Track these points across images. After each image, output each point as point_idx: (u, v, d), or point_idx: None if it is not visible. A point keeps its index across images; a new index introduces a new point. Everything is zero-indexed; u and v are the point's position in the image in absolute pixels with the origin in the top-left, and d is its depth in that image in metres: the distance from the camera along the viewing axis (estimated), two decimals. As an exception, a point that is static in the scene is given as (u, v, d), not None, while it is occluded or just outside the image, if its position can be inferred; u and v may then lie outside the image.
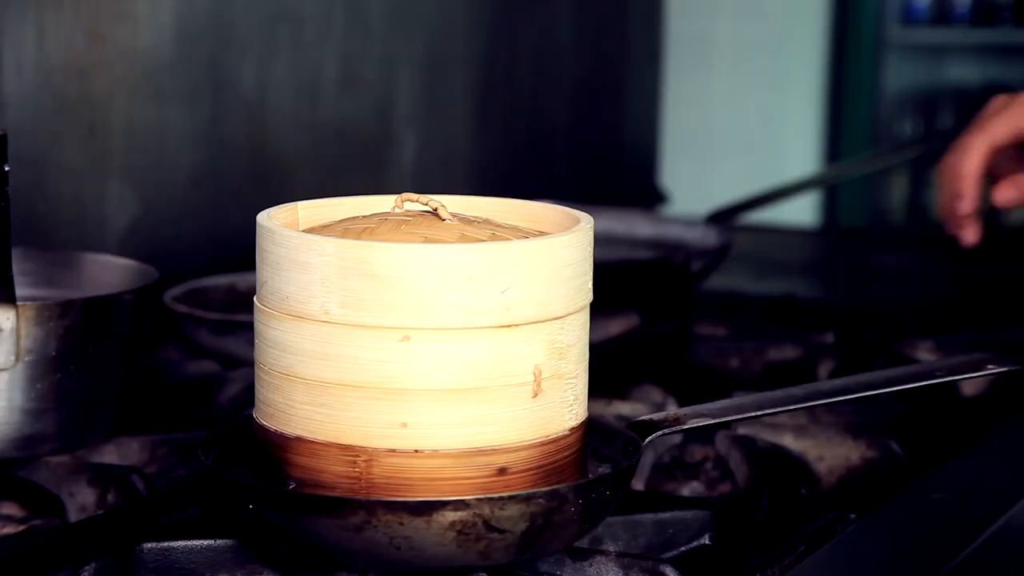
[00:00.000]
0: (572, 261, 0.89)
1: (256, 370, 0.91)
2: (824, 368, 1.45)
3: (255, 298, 0.91)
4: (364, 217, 0.93)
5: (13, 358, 1.06)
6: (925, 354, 1.51)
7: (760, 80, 3.14)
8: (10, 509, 1.09)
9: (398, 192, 0.95)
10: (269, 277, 0.89)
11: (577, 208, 0.97)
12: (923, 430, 1.26)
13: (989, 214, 1.55)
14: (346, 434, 0.87)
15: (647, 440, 0.96)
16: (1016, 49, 3.75)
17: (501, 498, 0.85)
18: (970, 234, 1.50)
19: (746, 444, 1.17)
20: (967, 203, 1.49)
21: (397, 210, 0.94)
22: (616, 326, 1.57)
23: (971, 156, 1.48)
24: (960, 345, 1.50)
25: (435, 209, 0.92)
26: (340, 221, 0.94)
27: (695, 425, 0.99)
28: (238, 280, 1.53)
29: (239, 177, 1.71)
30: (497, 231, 0.91)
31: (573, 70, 2.31)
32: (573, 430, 0.91)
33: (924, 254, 2.22)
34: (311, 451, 0.88)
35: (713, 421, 1.00)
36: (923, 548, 1.04)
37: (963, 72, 3.90)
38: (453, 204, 0.95)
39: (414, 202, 0.93)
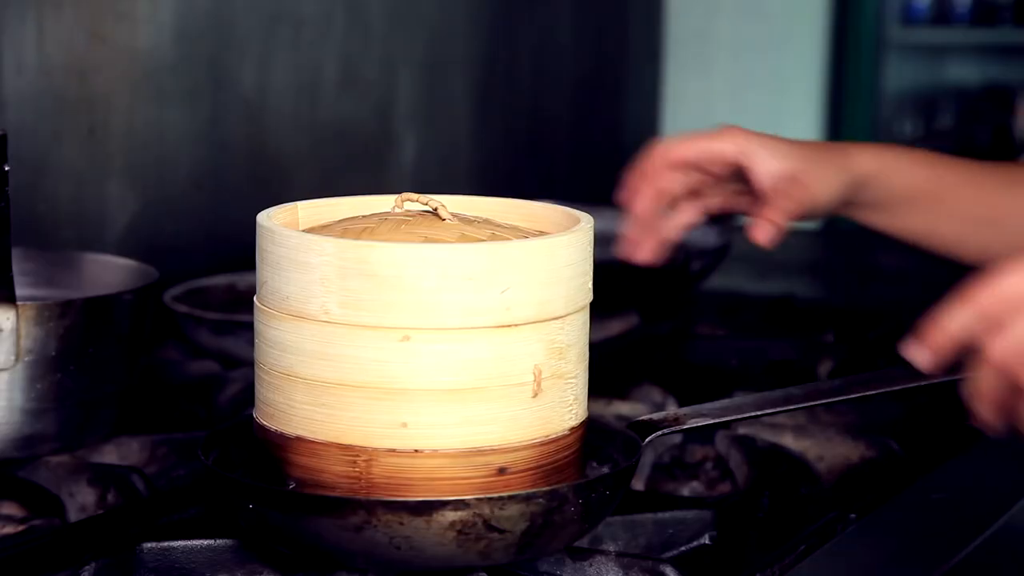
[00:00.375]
0: (572, 261, 0.89)
1: (256, 370, 0.91)
2: (824, 368, 1.45)
3: (255, 298, 0.91)
4: (364, 217, 0.93)
5: (13, 358, 1.06)
6: (925, 354, 1.51)
7: (760, 80, 3.13)
8: (10, 509, 1.09)
9: (398, 192, 0.95)
10: (269, 277, 0.89)
11: (577, 208, 0.97)
12: (923, 430, 1.26)
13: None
14: (346, 434, 0.87)
15: (647, 440, 0.96)
16: (1016, 49, 3.75)
17: (501, 498, 0.85)
18: (640, 252, 1.21)
19: (746, 444, 1.17)
20: (633, 219, 1.23)
21: (397, 210, 0.94)
22: (616, 326, 1.57)
23: (641, 169, 1.25)
24: (960, 345, 1.49)
25: (435, 209, 0.92)
26: (340, 221, 0.94)
27: (695, 425, 0.99)
28: (238, 280, 1.53)
29: (239, 177, 1.71)
30: (497, 231, 0.91)
31: (573, 70, 2.31)
32: (573, 430, 0.91)
33: (924, 254, 2.22)
34: (311, 451, 0.88)
35: (713, 421, 1.00)
36: (923, 548, 1.04)
37: (963, 72, 3.89)
38: (453, 204, 0.95)
39: (414, 202, 0.93)
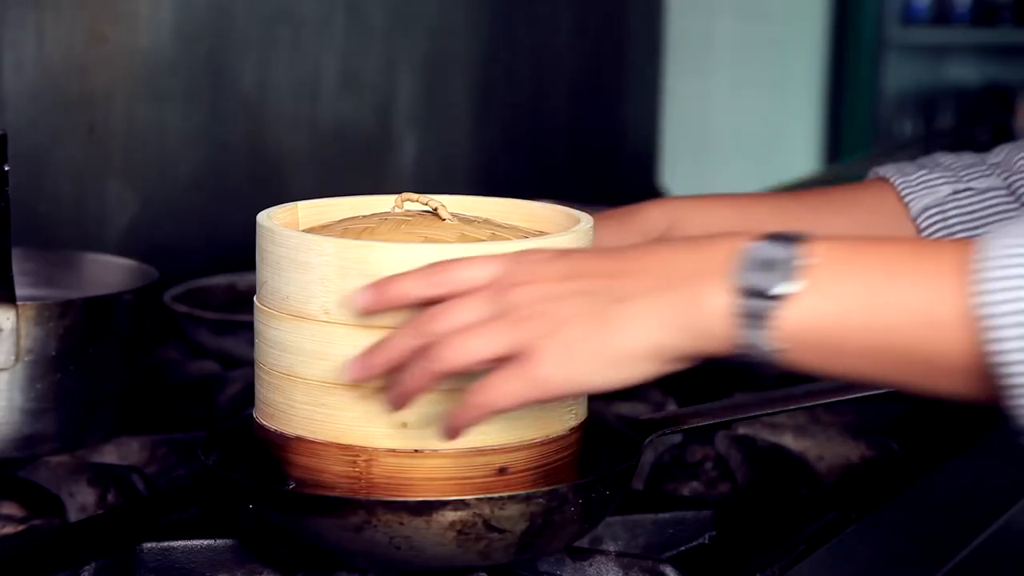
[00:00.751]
0: None
1: (256, 370, 0.91)
2: (824, 368, 1.45)
3: (255, 298, 0.91)
4: (364, 217, 0.93)
5: (13, 358, 1.06)
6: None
7: (760, 80, 3.13)
8: (10, 509, 1.09)
9: (398, 192, 0.95)
10: (269, 277, 0.89)
11: (577, 208, 0.97)
12: (923, 430, 1.26)
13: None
14: (346, 434, 0.87)
15: (647, 440, 0.96)
16: (1016, 49, 3.75)
17: (501, 498, 0.85)
18: None
19: (746, 444, 1.17)
20: None
21: (397, 210, 0.94)
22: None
23: None
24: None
25: (435, 209, 0.92)
26: (340, 221, 0.94)
27: (695, 425, 0.99)
28: (238, 280, 1.53)
29: (239, 177, 1.71)
30: (497, 231, 0.91)
31: (573, 70, 2.31)
32: (573, 430, 0.91)
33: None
34: (311, 451, 0.88)
35: (713, 421, 1.00)
36: (923, 548, 1.04)
37: (963, 72, 3.90)
38: (453, 204, 0.95)
39: (414, 202, 0.93)
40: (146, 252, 1.44)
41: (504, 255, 0.81)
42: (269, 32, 1.74)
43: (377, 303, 0.83)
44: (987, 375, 0.70)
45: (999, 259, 0.70)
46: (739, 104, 3.09)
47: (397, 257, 0.85)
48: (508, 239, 0.89)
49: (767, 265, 0.74)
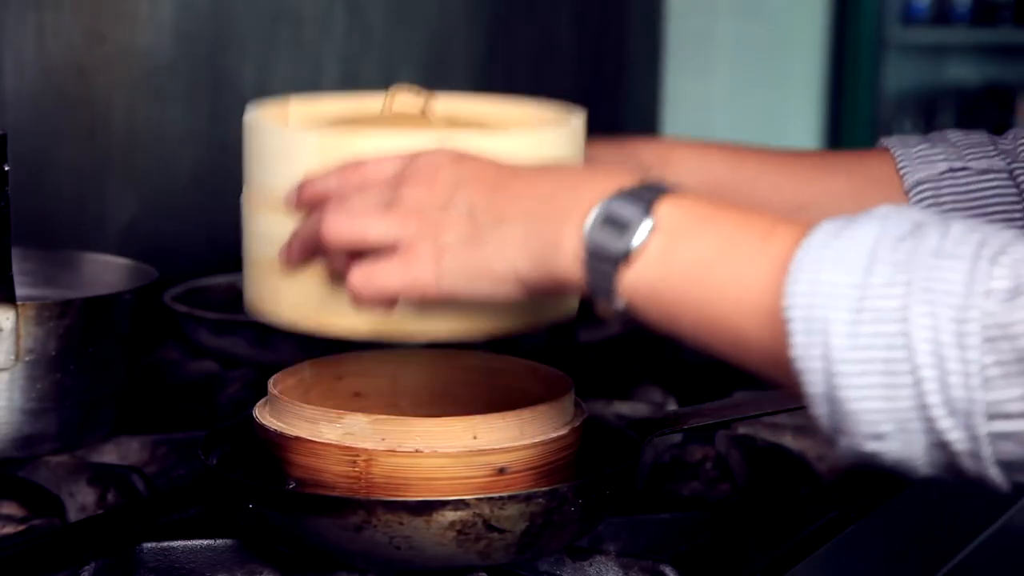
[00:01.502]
0: (560, 158, 0.88)
1: (243, 264, 0.92)
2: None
3: (241, 196, 0.91)
4: (355, 118, 0.93)
5: (13, 358, 1.05)
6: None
7: (761, 80, 3.13)
8: (10, 509, 1.09)
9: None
10: (256, 171, 0.89)
11: None
12: (923, 430, 1.26)
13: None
14: (334, 323, 0.86)
15: (647, 440, 0.96)
16: (1016, 49, 3.75)
17: (501, 498, 0.85)
18: None
19: (746, 444, 1.17)
20: None
21: (387, 115, 0.94)
22: (616, 326, 1.57)
23: None
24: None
25: (423, 111, 0.92)
26: (329, 118, 0.94)
27: (695, 425, 0.99)
28: (238, 280, 1.52)
29: (239, 177, 1.71)
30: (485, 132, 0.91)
31: (573, 70, 2.30)
32: (573, 430, 0.91)
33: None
34: (311, 451, 0.88)
35: (713, 421, 1.00)
36: (923, 548, 1.04)
37: (963, 72, 3.89)
38: (448, 103, 0.94)
39: (407, 95, 0.93)
40: (146, 252, 1.44)
41: (412, 154, 0.83)
42: (269, 32, 1.73)
43: (300, 200, 0.86)
44: (790, 373, 0.70)
45: (807, 260, 0.69)
46: (739, 104, 3.09)
47: (382, 147, 0.84)
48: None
49: (615, 223, 0.75)
